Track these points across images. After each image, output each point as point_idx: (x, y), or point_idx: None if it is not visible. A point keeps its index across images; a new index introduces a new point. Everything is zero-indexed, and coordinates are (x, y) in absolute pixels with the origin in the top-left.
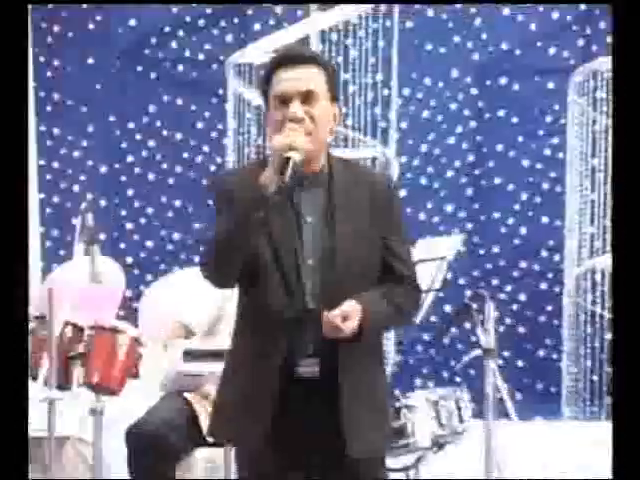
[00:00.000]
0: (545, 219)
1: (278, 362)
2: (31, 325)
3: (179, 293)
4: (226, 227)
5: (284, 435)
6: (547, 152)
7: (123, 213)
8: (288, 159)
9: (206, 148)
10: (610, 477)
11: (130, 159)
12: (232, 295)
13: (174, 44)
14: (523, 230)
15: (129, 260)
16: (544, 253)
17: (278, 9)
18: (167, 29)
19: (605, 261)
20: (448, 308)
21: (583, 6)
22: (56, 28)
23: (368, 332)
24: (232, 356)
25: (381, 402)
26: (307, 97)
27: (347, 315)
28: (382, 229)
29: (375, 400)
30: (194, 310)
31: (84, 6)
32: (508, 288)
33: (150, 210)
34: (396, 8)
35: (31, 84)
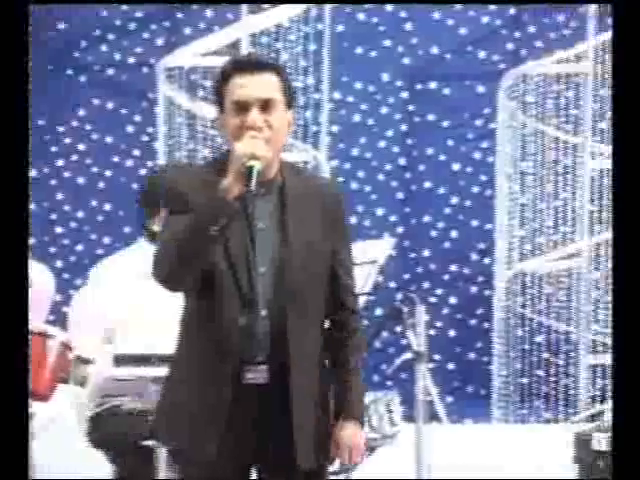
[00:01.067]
0: (475, 222)
1: (229, 369)
2: None
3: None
4: (183, 235)
5: (235, 443)
6: (477, 156)
7: (53, 217)
8: (251, 168)
9: (136, 152)
10: (539, 477)
11: (60, 163)
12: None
13: (104, 47)
14: (453, 234)
15: (59, 264)
16: (474, 256)
17: (209, 12)
18: (97, 32)
19: (535, 264)
20: (379, 312)
21: (512, 10)
22: None
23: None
24: (178, 362)
25: (329, 409)
26: (266, 105)
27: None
28: (333, 240)
29: (325, 407)
30: (86, 341)
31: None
32: (439, 291)
33: (80, 214)
34: (327, 12)
35: None
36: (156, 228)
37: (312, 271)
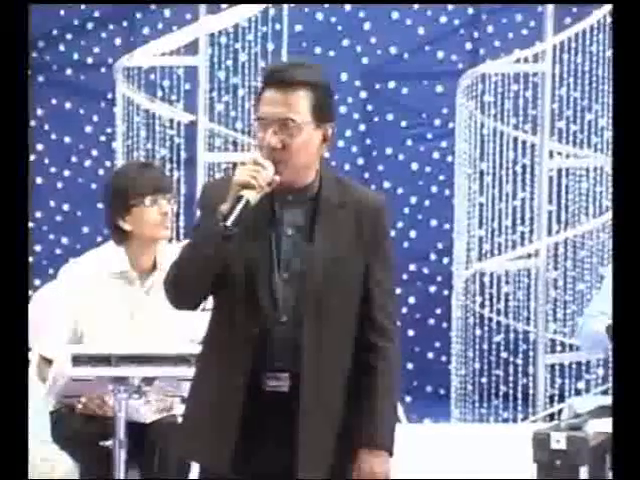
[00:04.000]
0: (434, 222)
1: (246, 376)
2: None
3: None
4: (185, 253)
5: (250, 451)
6: (436, 155)
7: None
8: (239, 199)
9: (95, 152)
10: (498, 477)
11: None
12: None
13: (62, 47)
14: (412, 233)
15: None
16: (433, 256)
17: (167, 12)
18: (55, 32)
19: (493, 264)
20: None
21: (471, 10)
22: None
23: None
24: (200, 371)
25: (342, 422)
26: (285, 125)
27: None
28: (369, 257)
29: (338, 419)
30: (49, 341)
31: None
32: (397, 291)
33: (38, 214)
34: (285, 11)
35: None
36: (127, 227)
37: (338, 284)
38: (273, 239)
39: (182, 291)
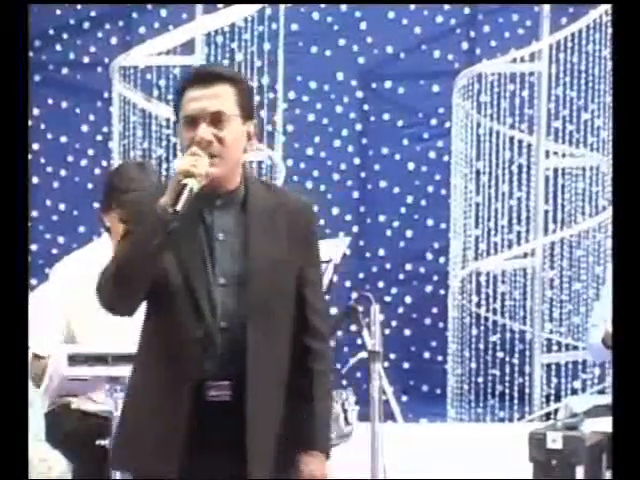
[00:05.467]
0: (430, 222)
1: (188, 385)
2: None
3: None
4: (120, 256)
5: (195, 461)
6: (432, 155)
7: None
8: (184, 186)
9: (91, 151)
10: (494, 476)
11: None
12: (77, 313)
13: (58, 47)
14: (409, 233)
15: None
16: (429, 256)
17: (163, 12)
18: (51, 32)
19: (490, 263)
20: (334, 311)
21: (467, 9)
22: None
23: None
24: (136, 382)
25: (283, 424)
26: (215, 118)
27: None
28: (300, 259)
29: (280, 422)
30: (42, 339)
31: None
32: (394, 290)
33: (35, 213)
34: (282, 11)
35: None
36: (107, 224)
37: (276, 287)
38: (204, 243)
39: (122, 293)
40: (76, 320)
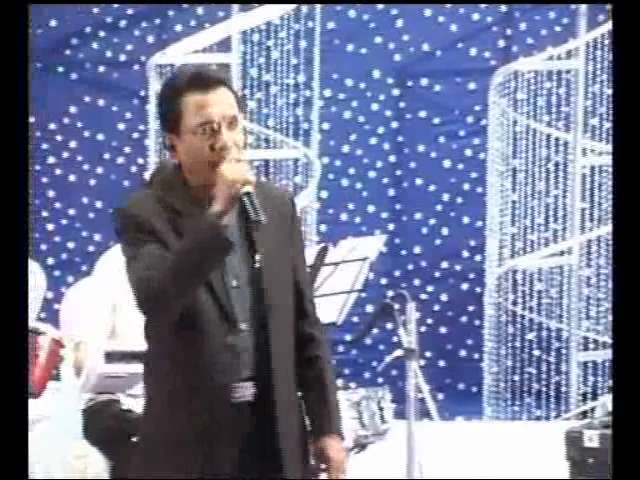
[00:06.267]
0: (466, 219)
1: (214, 388)
2: None
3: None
4: (179, 268)
5: (220, 461)
6: (468, 153)
7: (45, 214)
8: (250, 194)
9: (127, 149)
10: (530, 475)
11: (51, 160)
12: (121, 304)
13: (95, 45)
14: (445, 231)
15: (50, 261)
16: (465, 253)
17: (200, 10)
18: (88, 30)
19: (526, 261)
20: (370, 309)
21: (503, 7)
22: None
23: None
24: (159, 386)
25: (304, 423)
26: (231, 123)
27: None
28: (291, 247)
29: (302, 421)
30: (86, 326)
31: None
32: (430, 288)
33: (71, 211)
34: (318, 9)
35: None
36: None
37: (281, 279)
38: None
39: (174, 301)
40: (117, 313)
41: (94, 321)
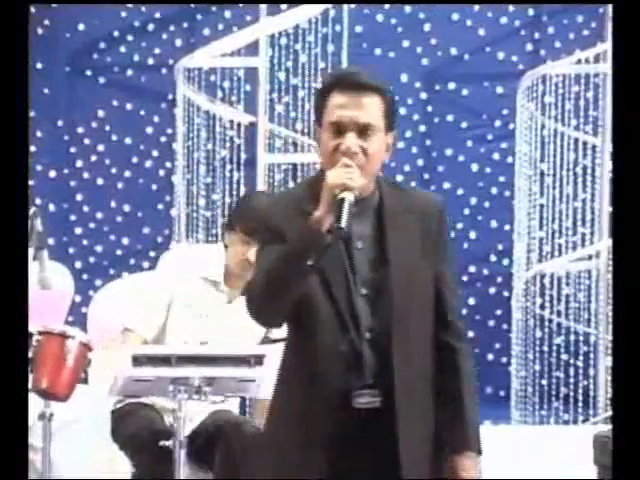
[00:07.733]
0: (494, 223)
1: (336, 395)
2: None
3: (127, 299)
4: (274, 269)
5: (342, 471)
6: (496, 157)
7: (72, 218)
8: (342, 200)
9: (155, 153)
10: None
11: (79, 164)
12: (175, 303)
13: (123, 49)
14: (472, 234)
15: (78, 265)
16: (493, 257)
17: (227, 14)
18: (116, 33)
19: (554, 265)
20: None
21: (531, 11)
22: None
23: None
24: (283, 396)
25: (433, 427)
26: (363, 130)
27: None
28: (436, 260)
29: (428, 426)
30: (140, 316)
31: (32, 10)
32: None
33: (99, 215)
34: (346, 12)
35: None
36: (226, 241)
37: (414, 291)
38: (344, 253)
39: (272, 307)
40: (170, 311)
41: (149, 312)
